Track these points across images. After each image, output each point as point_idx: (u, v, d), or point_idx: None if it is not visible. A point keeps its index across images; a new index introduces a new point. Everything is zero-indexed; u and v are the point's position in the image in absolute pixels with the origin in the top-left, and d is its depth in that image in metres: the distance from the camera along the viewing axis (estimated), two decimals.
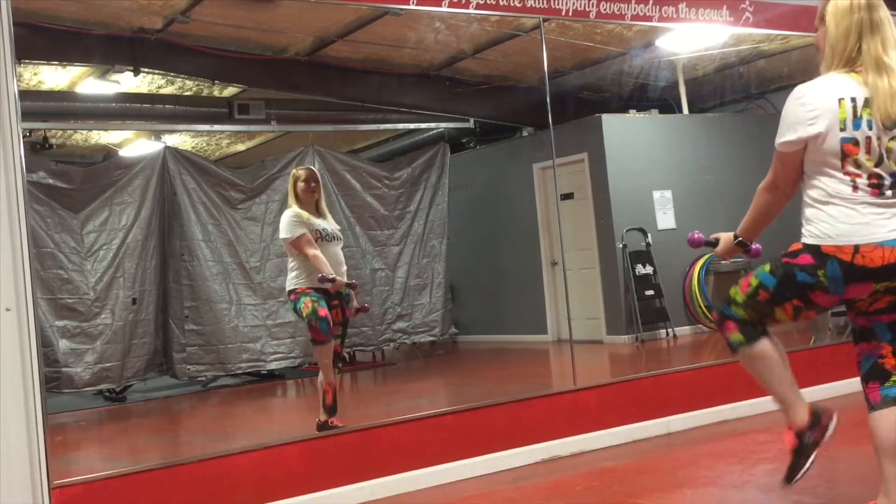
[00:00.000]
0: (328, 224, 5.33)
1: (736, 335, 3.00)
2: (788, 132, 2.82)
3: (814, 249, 2.80)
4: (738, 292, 3.01)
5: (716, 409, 5.60)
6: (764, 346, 2.99)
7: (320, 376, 5.23)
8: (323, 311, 5.08)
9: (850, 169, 2.76)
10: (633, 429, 5.33)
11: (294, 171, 5.44)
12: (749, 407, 5.60)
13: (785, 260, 2.88)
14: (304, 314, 5.14)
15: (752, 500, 3.93)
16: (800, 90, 2.84)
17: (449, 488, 4.58)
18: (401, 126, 10.69)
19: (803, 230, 2.87)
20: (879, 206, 2.75)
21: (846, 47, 2.82)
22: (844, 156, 2.76)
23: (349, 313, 5.38)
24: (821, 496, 3.69)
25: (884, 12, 2.85)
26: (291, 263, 5.23)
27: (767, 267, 2.94)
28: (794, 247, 2.88)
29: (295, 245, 5.14)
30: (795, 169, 2.88)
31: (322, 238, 5.21)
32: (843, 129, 2.75)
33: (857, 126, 2.75)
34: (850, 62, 2.82)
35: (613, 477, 4.55)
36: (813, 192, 2.84)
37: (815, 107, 2.77)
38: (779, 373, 3.01)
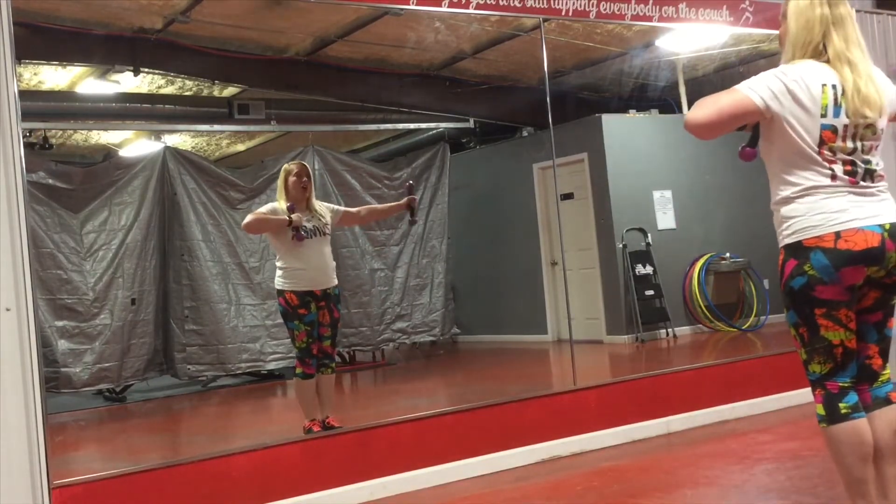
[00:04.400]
0: (311, 221, 5.18)
1: (819, 409, 2.86)
2: (767, 96, 2.72)
3: (795, 248, 2.77)
4: (800, 352, 2.90)
5: (716, 409, 5.59)
6: (841, 430, 2.79)
7: (296, 385, 5.26)
8: (315, 347, 5.14)
9: (827, 155, 2.74)
10: (633, 429, 5.33)
11: (286, 165, 5.36)
12: (749, 407, 5.60)
13: (782, 286, 2.83)
14: (296, 345, 5.18)
15: (752, 500, 3.94)
16: (786, 68, 2.79)
17: (449, 488, 4.58)
18: (401, 126, 10.68)
19: (782, 232, 2.81)
20: (857, 195, 2.74)
21: (810, 40, 2.79)
22: (822, 143, 2.74)
23: (337, 314, 5.33)
24: (821, 496, 3.69)
25: (844, 8, 2.83)
26: (278, 262, 5.21)
27: (785, 309, 2.87)
28: (780, 262, 2.83)
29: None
30: (735, 124, 2.81)
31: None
32: (823, 116, 2.73)
33: (836, 113, 2.74)
34: (817, 55, 2.80)
35: (613, 477, 4.55)
36: (787, 190, 2.80)
37: (800, 89, 2.73)
38: (847, 465, 2.78)
